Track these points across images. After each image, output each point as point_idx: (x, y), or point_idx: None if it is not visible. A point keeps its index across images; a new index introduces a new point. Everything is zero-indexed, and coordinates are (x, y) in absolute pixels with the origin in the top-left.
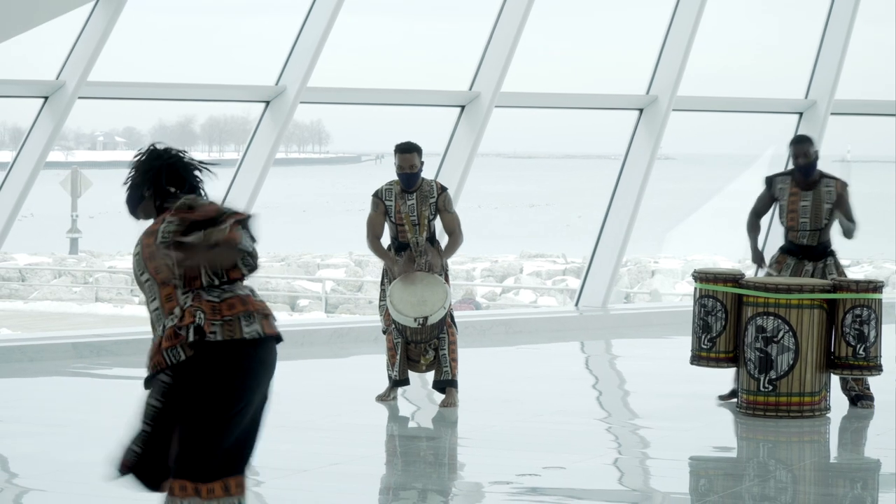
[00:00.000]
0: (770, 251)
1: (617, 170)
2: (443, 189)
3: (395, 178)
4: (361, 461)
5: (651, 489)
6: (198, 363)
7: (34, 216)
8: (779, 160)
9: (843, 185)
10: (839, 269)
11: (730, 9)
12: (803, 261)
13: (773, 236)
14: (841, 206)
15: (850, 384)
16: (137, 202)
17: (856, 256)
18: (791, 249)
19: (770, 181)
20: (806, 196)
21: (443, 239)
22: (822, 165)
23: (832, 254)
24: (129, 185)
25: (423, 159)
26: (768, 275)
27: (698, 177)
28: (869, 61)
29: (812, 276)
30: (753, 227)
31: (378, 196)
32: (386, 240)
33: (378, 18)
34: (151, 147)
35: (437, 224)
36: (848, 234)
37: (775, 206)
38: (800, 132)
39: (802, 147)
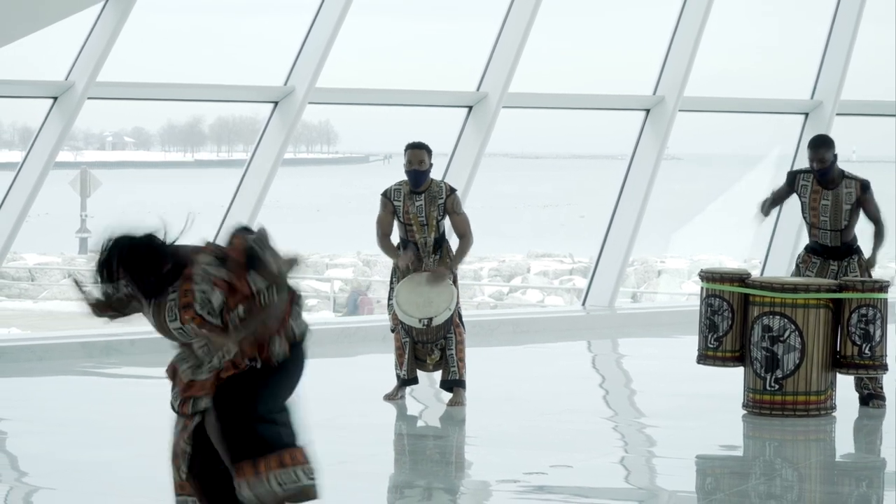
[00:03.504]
0: (777, 250)
1: (624, 170)
2: (452, 191)
3: (405, 178)
4: (369, 460)
5: (657, 487)
6: None
7: (49, 215)
8: (785, 160)
9: (864, 186)
10: (862, 268)
11: (730, 10)
12: (828, 260)
13: (781, 234)
14: (865, 205)
15: (864, 382)
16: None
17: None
18: (815, 249)
19: (792, 177)
20: (826, 195)
21: (452, 238)
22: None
23: (857, 251)
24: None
25: (432, 161)
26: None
27: (704, 177)
28: (874, 61)
29: (837, 275)
30: (767, 208)
31: (386, 196)
32: (395, 238)
33: (385, 19)
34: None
35: (447, 223)
36: (880, 242)
37: (791, 200)
38: (817, 133)
39: (818, 153)
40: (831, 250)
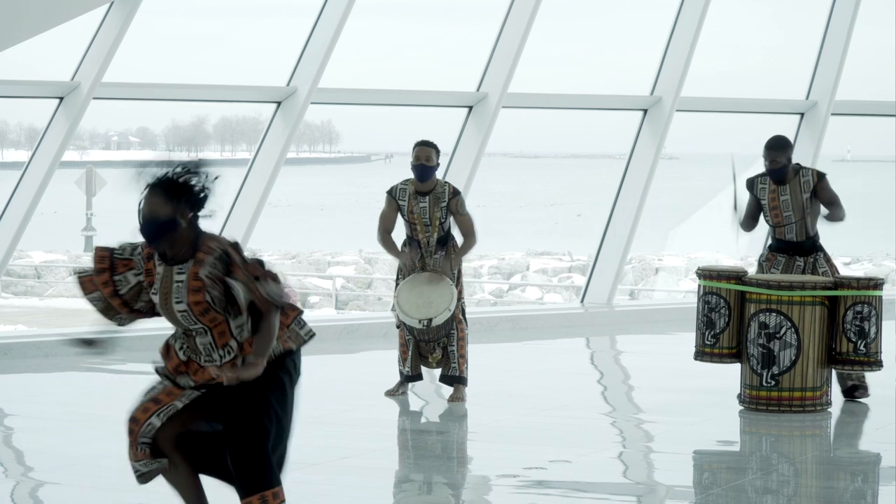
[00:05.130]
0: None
1: (622, 169)
2: (455, 193)
3: (411, 177)
4: (371, 455)
5: (655, 482)
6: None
7: (56, 214)
8: None
9: (820, 174)
10: (830, 263)
11: (731, 11)
12: (794, 257)
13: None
14: (822, 193)
15: (849, 374)
16: (173, 229)
17: (856, 254)
18: (780, 247)
19: (751, 183)
20: (784, 190)
21: (457, 236)
22: (822, 166)
23: (821, 248)
24: (157, 208)
25: (439, 161)
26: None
27: (701, 176)
28: (869, 62)
29: (804, 271)
30: (748, 226)
31: (392, 194)
32: (401, 234)
33: (387, 21)
34: (183, 164)
35: (451, 221)
36: (833, 218)
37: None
38: (776, 134)
39: (772, 154)
40: (797, 246)
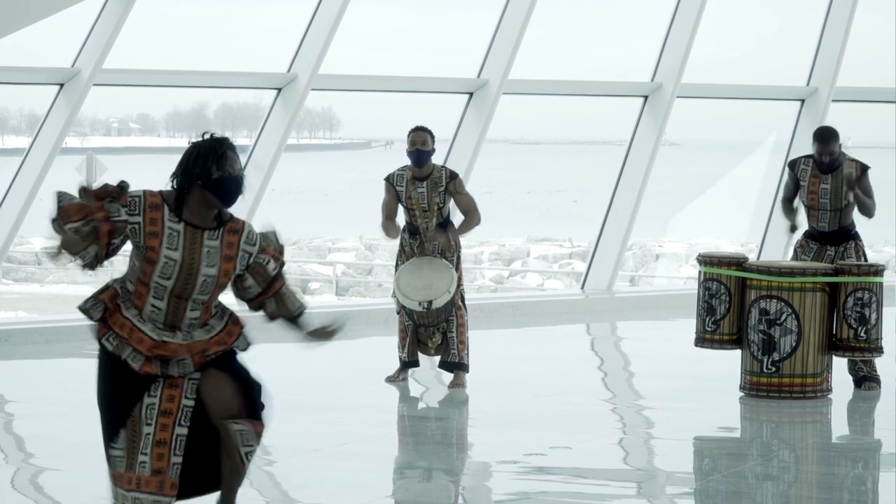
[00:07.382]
0: (773, 234)
1: (622, 156)
2: (453, 176)
3: (407, 163)
4: (372, 441)
5: (655, 468)
6: None
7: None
8: (781, 146)
9: (864, 167)
10: (859, 253)
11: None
12: (826, 245)
13: (778, 218)
14: (859, 185)
15: (859, 365)
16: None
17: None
18: (814, 235)
19: (793, 164)
20: (826, 179)
21: (457, 219)
22: None
23: (855, 237)
24: (238, 177)
25: (435, 146)
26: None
27: (702, 162)
28: (870, 49)
29: (833, 260)
30: (788, 210)
31: (389, 181)
32: (401, 221)
33: (387, 7)
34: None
35: (451, 206)
36: (865, 210)
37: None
38: (821, 125)
39: (828, 147)
40: (829, 235)
